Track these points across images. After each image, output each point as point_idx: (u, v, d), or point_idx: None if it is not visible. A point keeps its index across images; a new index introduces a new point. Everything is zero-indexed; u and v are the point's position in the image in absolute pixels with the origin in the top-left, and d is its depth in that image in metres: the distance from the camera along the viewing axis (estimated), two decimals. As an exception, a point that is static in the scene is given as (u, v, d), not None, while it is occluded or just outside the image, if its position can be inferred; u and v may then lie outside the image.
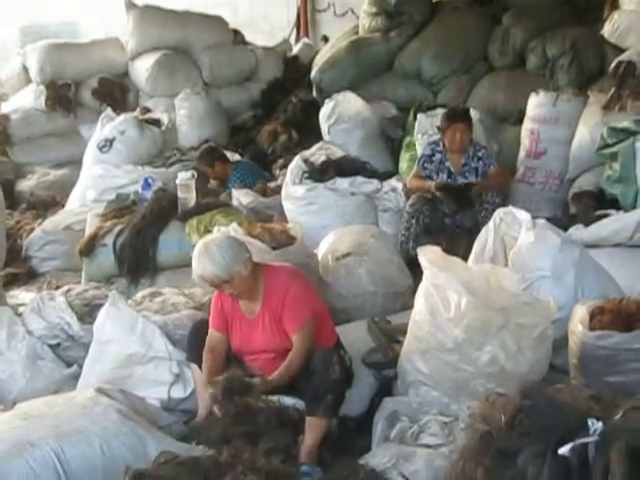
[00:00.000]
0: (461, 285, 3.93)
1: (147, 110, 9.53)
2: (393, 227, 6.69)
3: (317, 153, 7.21)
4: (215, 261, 4.00)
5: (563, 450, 1.64)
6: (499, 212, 5.01)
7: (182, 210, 6.07)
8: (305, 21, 14.00)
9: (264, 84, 11.10)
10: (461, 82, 9.11)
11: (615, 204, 6.35)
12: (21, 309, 5.30)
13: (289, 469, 3.49)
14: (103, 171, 7.32)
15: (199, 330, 4.40)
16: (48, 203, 8.41)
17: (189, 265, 4.18)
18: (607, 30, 8.07)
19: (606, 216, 5.85)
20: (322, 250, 5.64)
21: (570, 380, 4.08)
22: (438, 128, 6.87)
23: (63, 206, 8.08)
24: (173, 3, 11.28)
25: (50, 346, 4.89)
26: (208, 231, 5.44)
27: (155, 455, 3.39)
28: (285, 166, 7.58)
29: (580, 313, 4.16)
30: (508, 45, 8.87)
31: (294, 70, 11.29)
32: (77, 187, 7.98)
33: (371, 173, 7.00)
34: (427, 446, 3.78)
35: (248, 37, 12.02)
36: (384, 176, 7.13)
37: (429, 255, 4.09)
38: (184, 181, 6.14)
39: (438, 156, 6.61)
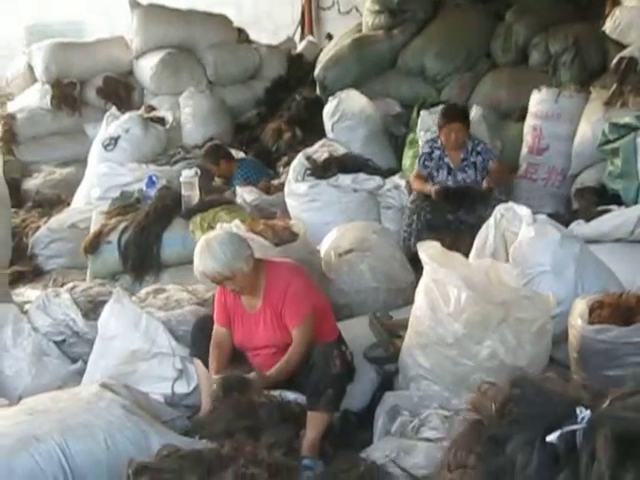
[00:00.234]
0: (461, 280, 3.96)
1: (152, 108, 9.60)
2: (396, 224, 6.72)
3: (320, 150, 7.24)
4: (217, 258, 4.03)
5: (551, 437, 1.67)
6: (500, 208, 5.05)
7: (186, 207, 6.11)
8: (309, 19, 14.04)
9: (268, 82, 11.13)
10: (464, 79, 9.13)
11: (617, 200, 6.38)
12: (27, 306, 5.34)
13: (291, 462, 3.51)
14: (108, 169, 7.37)
15: (202, 326, 4.44)
16: (54, 201, 8.44)
17: (193, 262, 4.21)
18: (609, 26, 8.09)
19: (608, 212, 5.88)
20: (325, 246, 5.68)
21: (571, 373, 4.10)
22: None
23: (69, 204, 8.13)
24: (177, 2, 11.33)
25: (55, 342, 4.93)
26: (211, 228, 5.46)
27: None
28: (289, 164, 7.61)
29: (580, 307, 4.19)
30: (511, 42, 8.90)
31: (298, 68, 11.32)
32: (82, 185, 8.03)
33: (373, 170, 7.03)
34: (428, 440, 3.80)
35: (252, 35, 12.05)
36: (387, 173, 7.16)
37: (429, 251, 4.13)
38: (188, 179, 6.18)
39: (437, 152, 6.64)
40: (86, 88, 10.76)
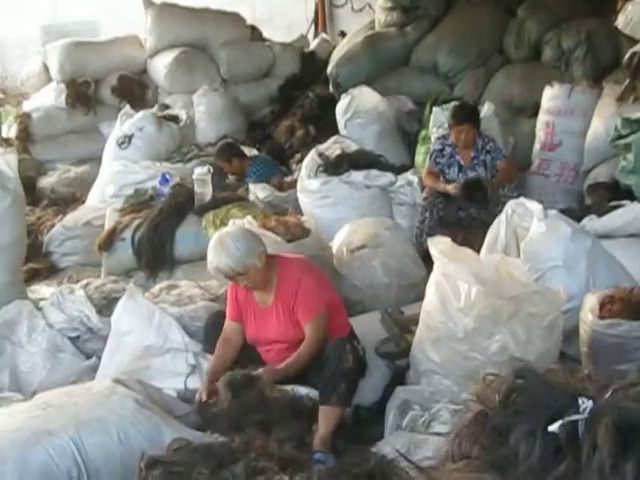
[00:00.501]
0: (471, 275, 3.97)
1: (166, 107, 9.65)
2: (409, 220, 6.73)
3: (332, 147, 7.25)
4: (230, 254, 4.06)
5: (553, 427, 1.69)
6: (511, 203, 5.07)
7: (198, 204, 6.15)
8: (323, 17, 14.05)
9: (281, 80, 11.16)
10: (477, 75, 9.14)
11: (630, 195, 6.36)
12: (42, 303, 5.38)
13: (302, 456, 3.53)
14: (122, 167, 7.42)
15: (215, 322, 4.48)
16: (69, 199, 8.50)
17: (206, 258, 4.24)
18: (621, 21, 8.07)
19: (620, 207, 5.87)
20: (337, 243, 5.70)
21: (582, 368, 4.11)
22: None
23: (83, 202, 8.17)
24: (191, 1, 11.38)
25: (70, 338, 4.98)
26: (224, 225, 5.50)
27: (170, 442, 3.45)
28: (302, 161, 7.63)
29: (590, 302, 4.20)
30: (523, 38, 8.90)
31: (311, 66, 11.33)
32: (97, 183, 8.07)
33: (385, 166, 7.05)
34: (438, 434, 3.81)
35: (266, 33, 12.08)
36: (400, 170, 7.17)
37: (439, 246, 4.14)
38: (200, 176, 6.22)
39: (448, 150, 6.67)
40: (101, 87, 10.83)
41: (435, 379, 4.14)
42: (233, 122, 10.21)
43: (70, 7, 14.91)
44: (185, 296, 4.95)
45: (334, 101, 9.04)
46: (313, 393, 4.16)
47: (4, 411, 3.80)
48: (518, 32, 8.95)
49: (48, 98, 10.69)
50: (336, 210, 6.55)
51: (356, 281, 5.43)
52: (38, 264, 7.02)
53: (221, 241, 4.13)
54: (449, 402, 3.96)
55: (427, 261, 5.23)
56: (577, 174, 7.37)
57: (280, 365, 4.11)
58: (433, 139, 7.53)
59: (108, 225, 6.39)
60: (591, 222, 5.50)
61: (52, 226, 7.43)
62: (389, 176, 6.76)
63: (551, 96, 7.51)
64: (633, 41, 7.88)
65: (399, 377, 4.41)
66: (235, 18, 11.36)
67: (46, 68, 11.04)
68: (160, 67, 10.76)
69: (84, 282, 5.43)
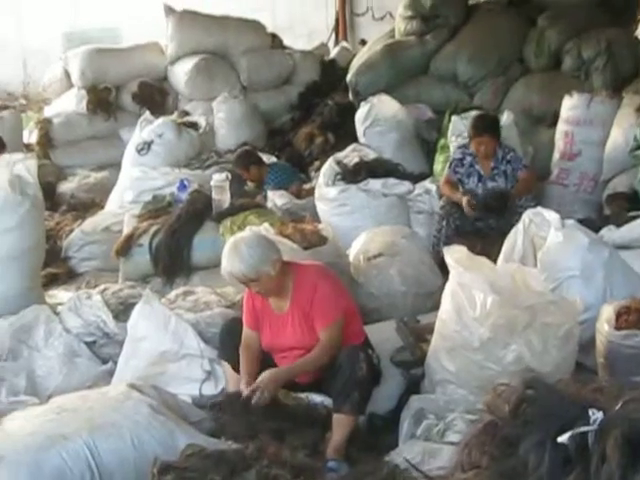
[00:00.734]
0: (487, 284, 3.96)
1: (186, 113, 9.69)
2: (427, 228, 6.73)
3: (350, 155, 7.27)
4: (244, 259, 4.06)
5: (562, 438, 1.69)
6: (528, 213, 5.05)
7: (216, 211, 6.16)
8: (343, 25, 14.10)
9: (301, 87, 11.17)
10: (496, 84, 9.13)
11: (649, 206, 6.35)
12: (59, 308, 5.41)
13: (314, 463, 3.53)
14: (141, 173, 7.46)
15: (231, 328, 4.47)
16: (88, 205, 8.52)
17: (222, 264, 4.26)
18: (641, 31, 8.07)
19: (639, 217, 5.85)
20: (354, 250, 5.70)
21: (598, 379, 4.09)
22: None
23: (102, 208, 8.20)
24: (212, 8, 11.43)
25: (86, 343, 5.01)
26: (241, 231, 5.50)
27: (184, 448, 3.46)
28: (321, 168, 7.63)
29: (606, 313, 4.19)
30: (543, 47, 8.88)
31: (331, 73, 11.36)
32: (116, 189, 8.10)
33: (403, 175, 7.05)
34: (453, 443, 3.79)
35: (287, 41, 12.12)
36: (418, 178, 7.16)
37: (455, 255, 4.14)
38: (218, 183, 6.23)
39: (468, 159, 6.62)
40: (121, 93, 10.88)
41: (450, 388, 4.13)
42: (253, 129, 10.23)
43: (92, 14, 15.02)
44: (201, 302, 4.96)
45: (353, 109, 9.05)
46: (327, 401, 4.16)
47: (20, 415, 3.81)
48: (538, 41, 8.93)
49: (69, 104, 10.76)
50: (353, 218, 6.55)
51: (373, 289, 5.43)
52: (57, 269, 7.05)
53: (235, 246, 4.13)
54: (464, 411, 3.95)
55: (444, 270, 5.22)
56: (596, 184, 7.34)
57: (294, 362, 4.11)
58: (452, 148, 7.52)
59: (126, 231, 6.42)
60: (609, 232, 5.48)
61: (71, 231, 7.45)
62: (406, 184, 6.76)
63: (570, 106, 7.49)
64: (653, 51, 7.88)
65: (414, 386, 4.40)
66: (256, 26, 11.40)
67: (67, 74, 11.11)
68: (180, 74, 10.81)
69: (101, 287, 5.46)
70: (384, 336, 4.66)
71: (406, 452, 3.80)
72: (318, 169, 8.21)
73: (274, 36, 11.79)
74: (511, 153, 6.61)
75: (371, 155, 7.30)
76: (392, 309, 5.34)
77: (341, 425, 3.98)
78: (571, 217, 5.25)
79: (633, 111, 7.06)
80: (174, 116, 9.19)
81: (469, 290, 4.02)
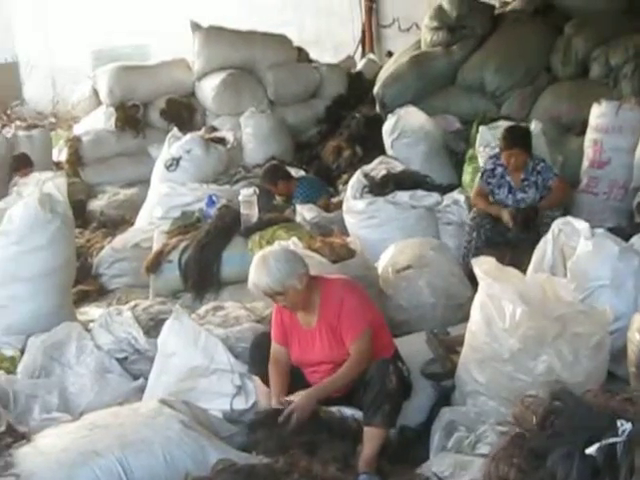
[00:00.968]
0: (516, 295, 3.95)
1: (213, 129, 9.74)
2: (457, 240, 6.70)
3: (377, 167, 7.27)
4: (271, 273, 4.07)
5: (590, 450, 1.67)
6: (557, 222, 5.03)
7: (245, 226, 6.17)
8: (370, 37, 14.10)
9: (329, 100, 11.21)
10: (524, 93, 9.10)
11: (680, 212, 6.29)
12: (90, 325, 5.44)
13: (346, 477, 3.53)
14: (169, 189, 7.49)
15: (260, 343, 4.47)
16: (118, 222, 8.58)
17: (252, 278, 4.27)
18: (669, 37, 8.02)
19: (670, 225, 5.81)
20: (382, 263, 5.70)
21: (630, 389, 4.05)
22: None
23: (132, 224, 8.25)
24: (239, 24, 11.49)
25: (117, 360, 5.03)
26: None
27: (215, 463, 3.47)
28: (349, 181, 7.64)
29: (638, 322, 4.15)
30: (571, 55, 8.85)
31: (358, 86, 11.37)
32: (145, 206, 8.14)
33: (431, 186, 7.03)
34: (484, 456, 3.77)
35: (314, 54, 12.15)
36: (446, 189, 7.15)
37: (484, 266, 4.13)
38: (246, 197, 6.24)
39: (499, 170, 6.56)
40: (149, 110, 10.97)
41: (481, 400, 4.12)
42: (280, 143, 10.26)
43: (120, 32, 15.16)
44: (231, 317, 4.97)
45: (381, 121, 9.05)
46: (358, 414, 4.15)
47: (52, 432, 3.84)
48: (565, 50, 8.90)
49: (98, 122, 10.86)
50: (382, 231, 6.55)
51: (402, 301, 5.43)
52: (88, 286, 7.10)
53: (263, 260, 4.16)
54: (495, 423, 3.92)
55: (474, 281, 5.21)
56: (626, 192, 7.28)
57: (325, 380, 4.12)
58: (482, 158, 7.50)
59: (155, 247, 6.44)
60: (640, 241, 5.43)
61: (101, 248, 7.51)
62: (435, 196, 6.75)
63: (599, 113, 7.44)
64: (681, 57, 7.82)
65: (445, 398, 4.39)
66: (282, 40, 11.45)
67: (96, 92, 11.22)
68: (208, 90, 10.87)
69: (132, 304, 5.48)
70: (414, 348, 4.65)
71: (437, 465, 3.79)
72: (346, 182, 8.21)
73: (300, 50, 11.82)
74: (541, 164, 6.56)
75: (399, 167, 7.29)
76: (422, 321, 5.33)
77: (372, 438, 3.97)
78: (601, 226, 5.22)
79: (662, 118, 7.02)
80: (202, 132, 9.24)
81: (498, 301, 4.00)
